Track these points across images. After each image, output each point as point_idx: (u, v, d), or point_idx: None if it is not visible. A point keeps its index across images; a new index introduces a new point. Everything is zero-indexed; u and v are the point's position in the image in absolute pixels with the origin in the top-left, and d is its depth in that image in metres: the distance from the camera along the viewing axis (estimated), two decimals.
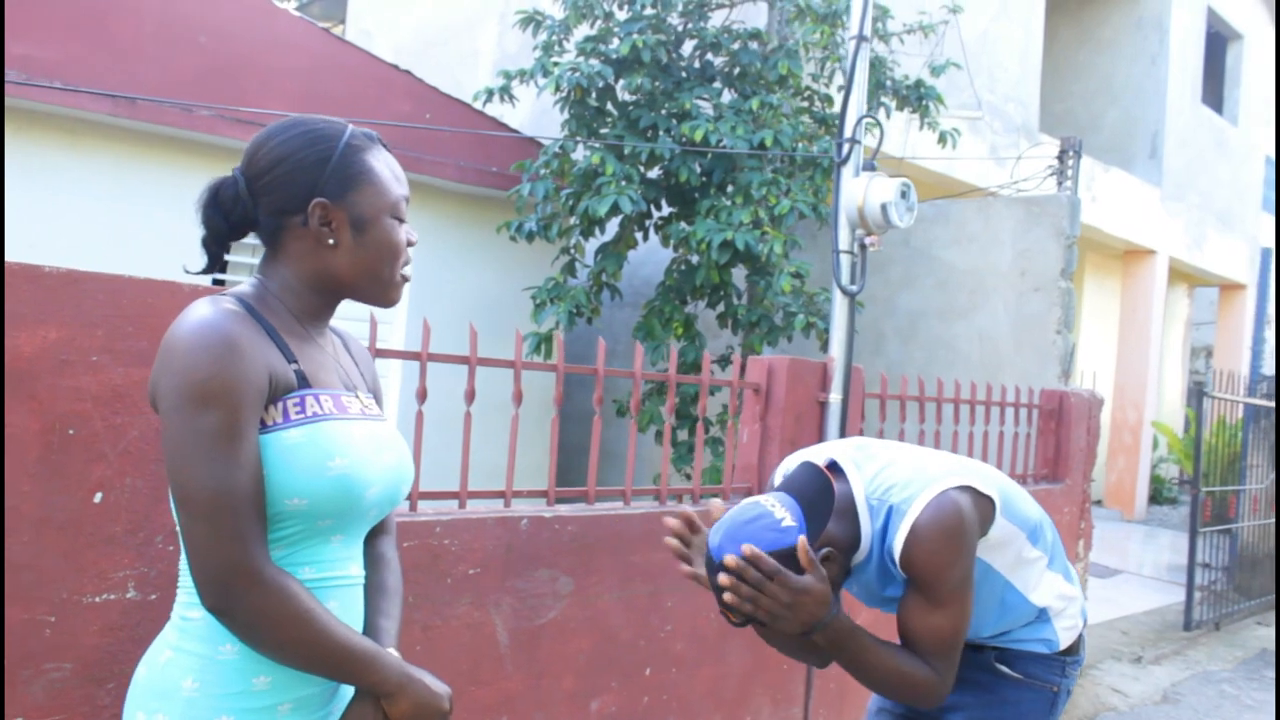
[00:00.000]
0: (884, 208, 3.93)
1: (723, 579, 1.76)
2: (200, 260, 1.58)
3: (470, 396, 2.94)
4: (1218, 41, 14.82)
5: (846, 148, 4.09)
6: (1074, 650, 2.15)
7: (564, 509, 3.17)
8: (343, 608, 1.53)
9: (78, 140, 6.01)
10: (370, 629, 1.60)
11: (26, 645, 2.00)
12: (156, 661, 1.46)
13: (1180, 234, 13.52)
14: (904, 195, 3.96)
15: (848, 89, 4.14)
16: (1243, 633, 7.64)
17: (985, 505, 1.93)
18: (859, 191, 3.99)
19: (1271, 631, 7.75)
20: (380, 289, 1.58)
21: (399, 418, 7.12)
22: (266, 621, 1.37)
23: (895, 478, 1.95)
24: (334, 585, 1.52)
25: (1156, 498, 14.38)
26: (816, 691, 4.04)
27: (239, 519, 1.36)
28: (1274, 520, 8.71)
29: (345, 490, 1.47)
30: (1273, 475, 8.69)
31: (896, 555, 1.89)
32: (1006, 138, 10.11)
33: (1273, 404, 8.61)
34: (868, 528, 1.94)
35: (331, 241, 1.52)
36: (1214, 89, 14.97)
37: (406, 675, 1.48)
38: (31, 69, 5.51)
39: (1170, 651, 6.81)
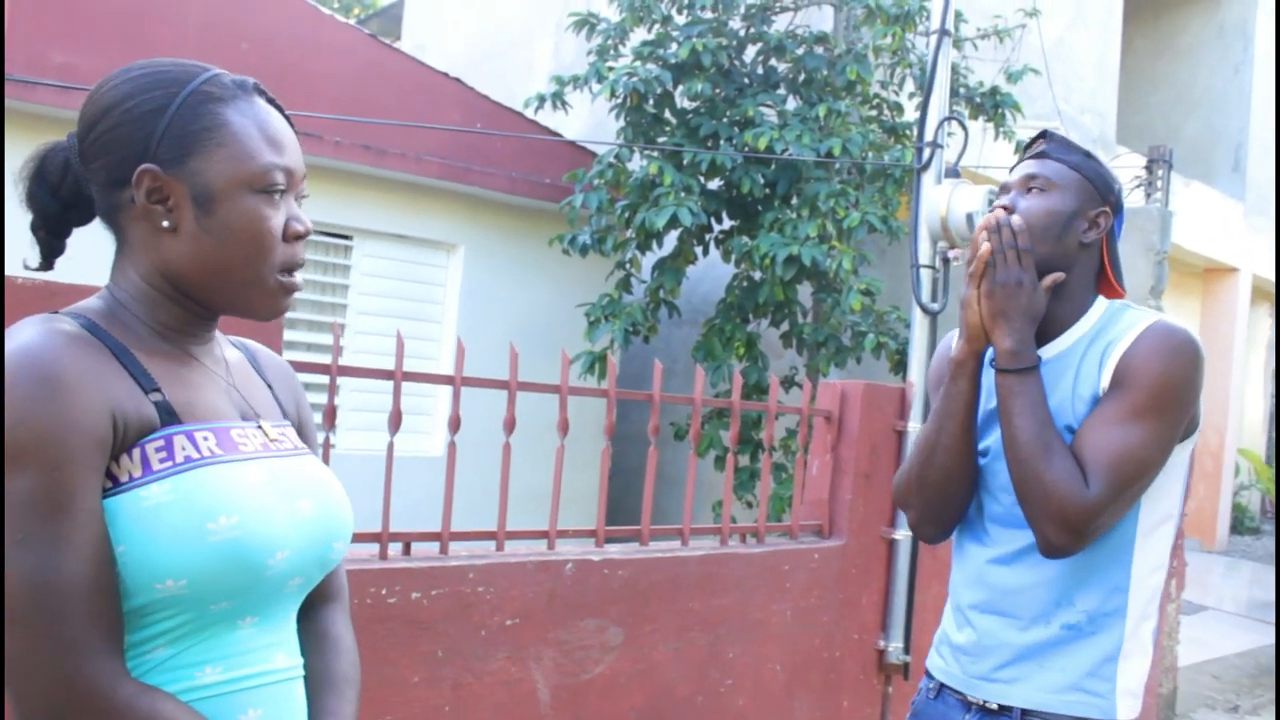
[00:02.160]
0: (969, 218, 3.58)
1: (989, 220, 1.71)
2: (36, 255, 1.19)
3: (510, 425, 2.63)
4: None
5: (927, 152, 3.74)
6: None
7: (614, 550, 2.85)
8: (270, 716, 1.13)
9: None
10: None
11: None
12: None
13: (1265, 251, 12.90)
14: (991, 205, 3.59)
15: (928, 88, 3.79)
16: None
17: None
18: (942, 200, 3.63)
19: None
20: (242, 293, 1.15)
21: (444, 448, 6.84)
22: None
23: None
24: (253, 687, 1.12)
25: (1237, 527, 13.71)
26: None
27: (70, 622, 0.98)
28: None
29: (238, 559, 1.06)
30: None
31: (1121, 348, 1.63)
32: None
33: None
34: (1091, 316, 1.74)
35: (166, 224, 1.11)
36: None
37: None
38: (72, 77, 5.33)
39: (1267, 700, 6.30)
